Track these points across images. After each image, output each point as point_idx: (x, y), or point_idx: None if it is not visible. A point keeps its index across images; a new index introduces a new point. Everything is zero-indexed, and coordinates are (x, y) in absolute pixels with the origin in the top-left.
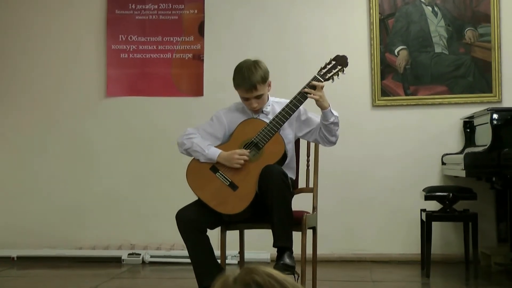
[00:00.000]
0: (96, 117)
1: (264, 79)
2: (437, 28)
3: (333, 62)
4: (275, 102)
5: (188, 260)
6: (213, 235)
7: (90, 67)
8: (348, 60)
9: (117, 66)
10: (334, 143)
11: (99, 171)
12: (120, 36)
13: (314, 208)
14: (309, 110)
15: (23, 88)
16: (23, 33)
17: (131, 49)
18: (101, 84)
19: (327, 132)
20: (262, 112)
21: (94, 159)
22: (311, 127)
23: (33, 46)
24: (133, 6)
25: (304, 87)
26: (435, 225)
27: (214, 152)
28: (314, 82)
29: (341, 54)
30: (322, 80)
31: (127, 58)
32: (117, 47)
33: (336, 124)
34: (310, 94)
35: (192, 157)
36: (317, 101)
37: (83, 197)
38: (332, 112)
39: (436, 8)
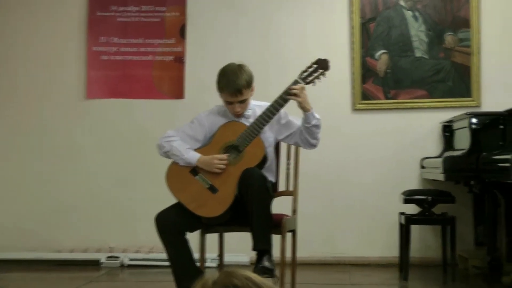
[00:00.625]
0: (77, 119)
1: (249, 84)
2: (418, 32)
3: (315, 66)
4: (257, 106)
5: (167, 263)
6: (193, 238)
7: (70, 68)
8: (329, 64)
9: (98, 68)
10: (315, 146)
11: (79, 173)
12: (101, 37)
13: (294, 211)
14: (291, 113)
15: (4, 90)
16: (4, 35)
17: (112, 51)
18: (81, 86)
19: (309, 135)
20: (244, 116)
21: (73, 161)
22: (291, 130)
23: (13, 48)
24: (115, 8)
25: (285, 91)
26: (414, 229)
27: (193, 156)
28: (295, 86)
29: (322, 57)
30: (303, 83)
31: (108, 60)
32: (98, 49)
33: (317, 127)
34: (292, 96)
35: (172, 160)
36: (299, 103)
37: (62, 200)
38: (314, 115)
39: (417, 13)
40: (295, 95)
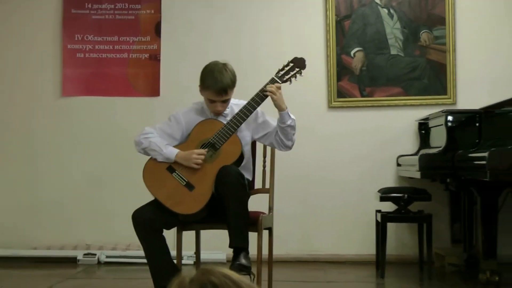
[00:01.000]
0: (52, 116)
1: (234, 84)
2: (393, 30)
3: (291, 64)
4: (234, 104)
5: (144, 260)
6: (169, 235)
7: (45, 66)
8: (306, 63)
9: (73, 65)
10: (290, 147)
11: (55, 170)
12: (76, 35)
13: (270, 209)
14: (267, 113)
15: None
16: None
17: (87, 49)
18: (56, 84)
19: (283, 135)
20: (221, 114)
21: (49, 159)
22: (267, 130)
23: None
24: (89, 6)
25: (262, 89)
26: (390, 226)
27: (171, 152)
28: (271, 85)
29: (298, 56)
30: (280, 82)
31: (83, 58)
32: (73, 46)
33: (292, 127)
34: (268, 94)
35: (149, 157)
36: (274, 101)
37: (38, 197)
38: (289, 115)
39: (392, 10)
40: (271, 92)
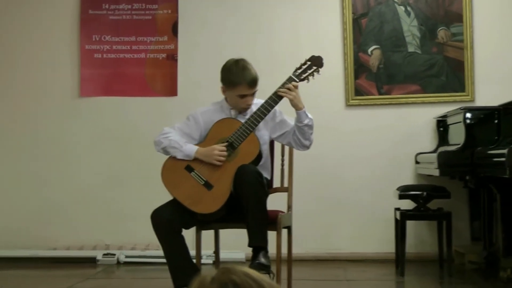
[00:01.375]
0: (70, 117)
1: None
2: (410, 27)
3: (308, 63)
4: (253, 103)
5: (163, 260)
6: (188, 234)
7: (63, 67)
8: (323, 61)
9: (91, 66)
10: (307, 147)
11: (74, 171)
12: (93, 36)
13: (289, 208)
14: (284, 112)
15: None
16: None
17: (104, 49)
18: (74, 85)
19: (301, 135)
20: (240, 112)
21: (68, 160)
22: (285, 129)
23: (5, 47)
24: (107, 6)
25: (279, 88)
26: (409, 224)
27: (191, 148)
28: (289, 85)
29: (316, 54)
30: (297, 80)
31: (100, 58)
32: (90, 47)
33: (310, 127)
34: (285, 94)
35: (168, 157)
36: (291, 100)
37: (57, 198)
38: (306, 114)
39: (409, 8)
40: (289, 90)
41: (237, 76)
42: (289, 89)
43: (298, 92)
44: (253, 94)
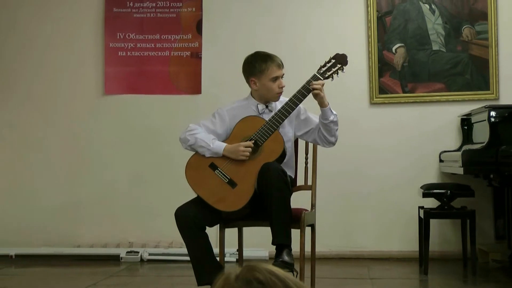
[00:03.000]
0: (95, 115)
1: None
2: (435, 25)
3: (333, 61)
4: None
5: (187, 258)
6: (212, 232)
7: (88, 65)
8: (348, 59)
9: (115, 64)
10: (333, 143)
11: (98, 169)
12: (118, 34)
13: (313, 206)
14: (308, 110)
15: (22, 87)
16: (21, 32)
17: (129, 47)
18: (99, 82)
19: (326, 131)
20: (267, 107)
21: (92, 157)
22: (310, 126)
23: (31, 45)
24: (131, 4)
25: (304, 85)
26: (433, 222)
27: (219, 146)
28: (316, 82)
29: (340, 52)
30: (322, 78)
31: (125, 56)
32: (115, 45)
33: (335, 123)
34: (313, 91)
35: (192, 154)
36: (318, 97)
37: (81, 195)
38: (331, 111)
39: (433, 6)
40: (317, 89)
41: (264, 60)
42: (317, 88)
43: (323, 89)
44: (282, 76)
